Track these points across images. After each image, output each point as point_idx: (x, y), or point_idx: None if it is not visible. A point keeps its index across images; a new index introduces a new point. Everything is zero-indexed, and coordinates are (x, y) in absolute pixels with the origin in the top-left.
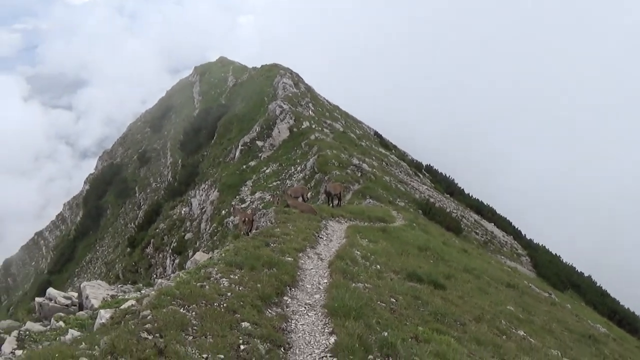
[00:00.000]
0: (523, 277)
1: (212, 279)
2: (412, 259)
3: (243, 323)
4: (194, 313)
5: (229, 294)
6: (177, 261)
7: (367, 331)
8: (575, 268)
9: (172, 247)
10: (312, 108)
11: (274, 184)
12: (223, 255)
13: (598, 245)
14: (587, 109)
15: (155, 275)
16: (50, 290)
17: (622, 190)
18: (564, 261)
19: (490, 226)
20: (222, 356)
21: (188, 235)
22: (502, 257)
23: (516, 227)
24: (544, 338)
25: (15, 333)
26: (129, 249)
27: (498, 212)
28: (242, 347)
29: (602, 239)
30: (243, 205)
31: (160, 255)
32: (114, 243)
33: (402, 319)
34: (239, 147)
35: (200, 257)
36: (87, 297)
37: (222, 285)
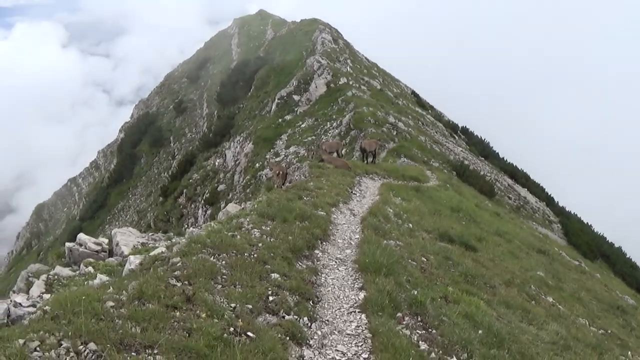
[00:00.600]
0: (554, 244)
1: (243, 229)
2: (444, 220)
3: (273, 274)
4: (223, 262)
5: (259, 244)
6: (209, 212)
7: (397, 289)
8: (606, 238)
9: (204, 197)
10: (350, 64)
11: (309, 138)
12: (255, 206)
13: (631, 215)
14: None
15: (186, 225)
16: (81, 236)
17: None
18: (595, 230)
19: (524, 191)
20: (250, 306)
21: (221, 187)
22: (534, 223)
23: (549, 193)
24: (572, 306)
25: (44, 277)
26: (161, 198)
27: (532, 177)
28: (270, 298)
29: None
30: (277, 159)
31: (193, 206)
32: (147, 192)
33: (432, 278)
34: (276, 100)
35: (232, 208)
36: (117, 244)
37: (253, 235)
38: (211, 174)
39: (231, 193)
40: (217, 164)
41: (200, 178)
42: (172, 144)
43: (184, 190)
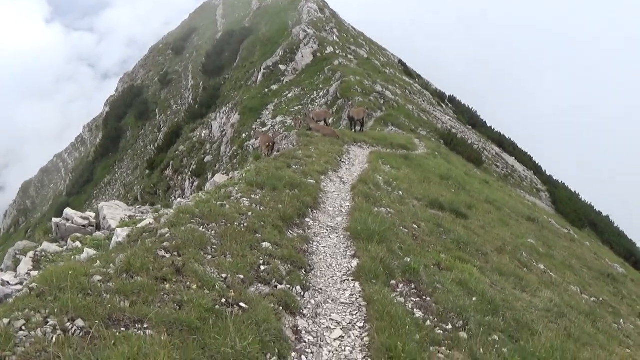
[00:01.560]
0: (542, 212)
1: (232, 198)
2: (434, 187)
3: (264, 243)
4: (213, 232)
5: (249, 213)
6: (196, 183)
7: (390, 256)
8: (593, 207)
9: (191, 169)
10: (337, 34)
11: (296, 108)
12: (244, 175)
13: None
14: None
15: (174, 197)
16: (67, 211)
17: None
18: (583, 199)
19: (511, 160)
20: (241, 276)
21: (207, 158)
22: (522, 191)
23: (537, 162)
24: (564, 273)
25: (31, 254)
26: (147, 171)
27: (519, 146)
28: (262, 267)
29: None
30: (264, 129)
31: (179, 178)
32: (133, 165)
33: (424, 245)
34: (262, 70)
35: (220, 178)
36: (104, 218)
37: (242, 204)
38: (197, 145)
39: (218, 164)
40: (203, 135)
41: (187, 150)
42: (157, 117)
43: (171, 163)
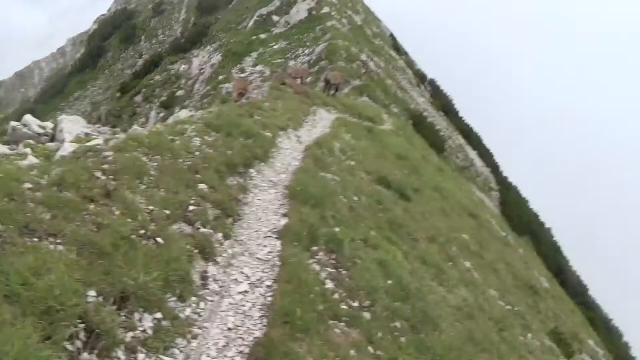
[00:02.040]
0: (487, 211)
1: (185, 135)
2: (387, 165)
3: (201, 185)
4: (155, 164)
5: (197, 153)
6: (162, 115)
7: (320, 223)
8: (539, 217)
9: (161, 100)
10: None
11: (279, 61)
12: (205, 116)
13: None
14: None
15: (137, 125)
16: (27, 117)
17: None
18: (531, 207)
19: (473, 154)
20: (168, 212)
21: (180, 93)
22: (475, 186)
23: (497, 161)
24: (487, 276)
25: None
26: (119, 94)
27: (485, 142)
28: (191, 207)
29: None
30: (242, 75)
31: (148, 107)
32: (107, 86)
33: (358, 219)
34: (255, 17)
35: (184, 115)
36: (61, 131)
37: (193, 144)
38: (174, 78)
39: (189, 100)
40: (181, 69)
41: (162, 80)
42: (142, 43)
43: (143, 90)
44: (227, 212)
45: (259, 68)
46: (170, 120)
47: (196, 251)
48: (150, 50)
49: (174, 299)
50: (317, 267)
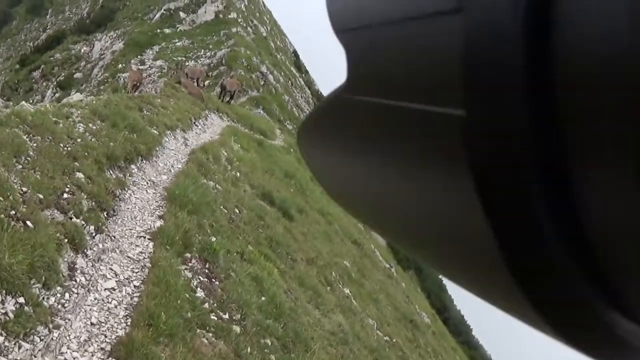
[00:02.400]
0: (372, 240)
1: (70, 120)
2: (274, 181)
3: (78, 173)
4: (35, 145)
5: (79, 140)
6: (57, 95)
7: (197, 229)
8: None
9: (58, 80)
10: (246, 3)
11: (179, 58)
12: (93, 102)
13: None
14: None
15: (31, 101)
16: None
17: None
18: None
19: None
20: (41, 196)
21: (77, 75)
22: None
23: None
24: (367, 305)
25: None
26: (18, 66)
27: None
28: (65, 195)
29: None
30: (142, 67)
31: (45, 84)
32: (7, 55)
33: (237, 231)
34: (162, 10)
35: (77, 98)
36: None
37: (76, 129)
38: (74, 59)
39: (85, 84)
40: (83, 51)
41: (62, 59)
42: (48, 17)
43: (42, 66)
44: (102, 205)
45: (158, 62)
46: (63, 102)
47: (66, 240)
48: (54, 26)
49: (38, 285)
50: (189, 274)
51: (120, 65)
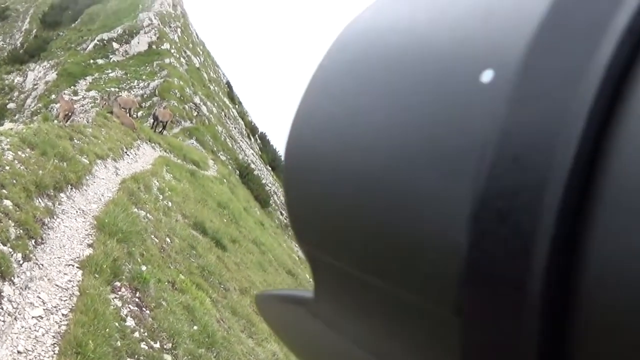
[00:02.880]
0: (307, 271)
1: None
2: (206, 211)
3: (5, 200)
4: None
5: (7, 167)
6: None
7: (126, 257)
8: None
9: None
10: (179, 34)
11: (112, 89)
12: (23, 131)
13: None
14: None
15: None
16: None
17: None
18: None
19: None
20: None
21: (11, 105)
22: (296, 245)
23: None
24: None
25: None
26: None
27: None
28: None
29: None
30: (74, 97)
31: None
32: None
33: (168, 260)
34: (95, 41)
35: (8, 127)
36: None
37: (5, 157)
38: (7, 89)
39: (19, 114)
40: (16, 81)
41: None
42: None
43: None
44: (29, 233)
45: (92, 93)
46: None
47: None
48: None
49: None
50: (119, 303)
51: (53, 96)
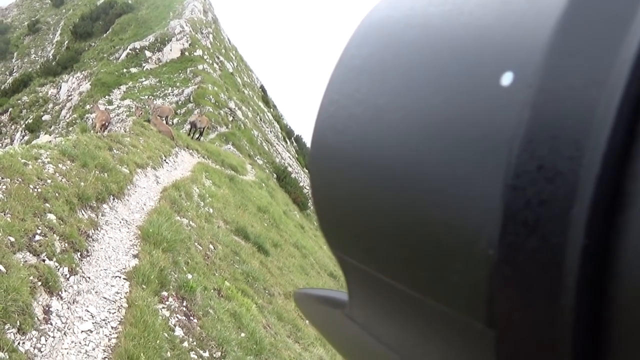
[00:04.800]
0: None
1: (39, 161)
2: (247, 216)
3: (49, 214)
4: (4, 187)
5: (49, 181)
6: (26, 138)
7: (173, 267)
8: None
9: (27, 123)
10: (211, 40)
11: (147, 97)
12: (63, 143)
13: None
14: None
15: (1, 145)
16: None
17: None
18: None
19: None
20: (12, 239)
21: (46, 117)
22: None
23: None
24: None
25: None
26: None
27: None
28: (37, 237)
29: None
30: (110, 107)
31: (13, 127)
32: None
33: (213, 268)
34: (127, 50)
35: (45, 139)
36: None
37: (46, 170)
38: (41, 101)
39: (54, 126)
40: (50, 93)
41: (30, 102)
42: (14, 60)
43: (10, 110)
44: (75, 246)
45: (127, 102)
46: (33, 144)
47: (39, 283)
48: (21, 69)
49: (13, 330)
50: (167, 313)
51: (88, 106)
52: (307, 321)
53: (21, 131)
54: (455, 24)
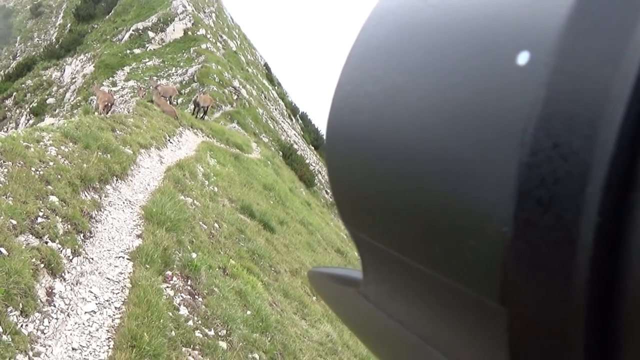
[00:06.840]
0: (354, 249)
1: (41, 143)
2: (253, 194)
3: (52, 196)
4: (6, 170)
5: (51, 163)
6: (31, 122)
7: (176, 246)
8: None
9: (31, 106)
10: (214, 19)
11: (149, 77)
12: (65, 125)
13: None
14: None
15: (6, 129)
16: None
17: None
18: None
19: None
20: (14, 221)
21: (50, 100)
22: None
23: None
24: None
25: None
26: None
27: None
28: (39, 219)
29: None
30: (114, 89)
31: (18, 111)
32: None
33: (217, 246)
34: (130, 31)
35: (48, 122)
36: None
37: (48, 152)
38: (45, 84)
39: (59, 109)
40: (54, 76)
41: (34, 86)
42: (17, 44)
43: (14, 94)
44: (77, 227)
45: (130, 83)
46: (35, 127)
47: (42, 265)
48: (24, 53)
49: (15, 313)
50: (171, 292)
51: (92, 88)
52: (315, 298)
53: (26, 115)
54: (472, 3)
